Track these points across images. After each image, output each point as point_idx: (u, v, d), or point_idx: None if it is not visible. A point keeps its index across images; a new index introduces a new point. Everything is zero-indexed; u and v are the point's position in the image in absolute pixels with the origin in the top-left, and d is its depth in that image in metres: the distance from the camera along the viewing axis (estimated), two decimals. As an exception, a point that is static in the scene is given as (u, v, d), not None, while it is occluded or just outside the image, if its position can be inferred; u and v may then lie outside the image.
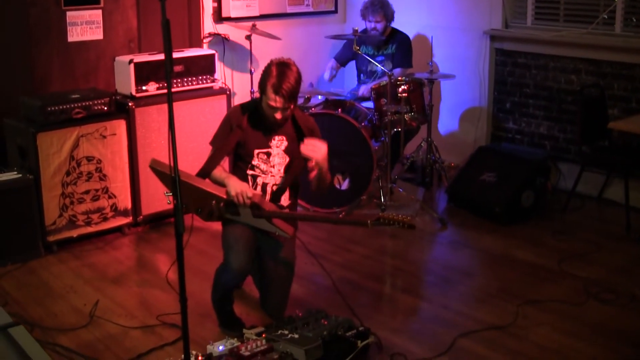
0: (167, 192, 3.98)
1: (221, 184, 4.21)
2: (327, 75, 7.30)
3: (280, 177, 4.36)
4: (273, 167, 4.34)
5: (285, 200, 4.40)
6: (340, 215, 6.12)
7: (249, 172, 4.34)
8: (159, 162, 4.26)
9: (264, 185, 4.33)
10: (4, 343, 1.98)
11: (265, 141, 4.33)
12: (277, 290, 4.39)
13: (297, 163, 4.36)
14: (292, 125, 4.38)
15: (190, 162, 5.84)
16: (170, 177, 3.01)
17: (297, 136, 4.38)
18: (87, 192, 5.58)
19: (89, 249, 5.58)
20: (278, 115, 4.20)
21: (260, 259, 4.38)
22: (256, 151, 4.31)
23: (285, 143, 4.36)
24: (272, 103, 4.14)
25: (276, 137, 4.34)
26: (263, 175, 4.33)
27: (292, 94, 4.15)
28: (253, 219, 4.16)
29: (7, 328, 2.08)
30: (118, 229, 5.83)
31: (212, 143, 4.40)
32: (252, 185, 4.33)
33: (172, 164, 2.99)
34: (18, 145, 5.48)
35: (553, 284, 4.97)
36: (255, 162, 4.32)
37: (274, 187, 4.35)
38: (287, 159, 4.37)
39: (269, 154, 4.33)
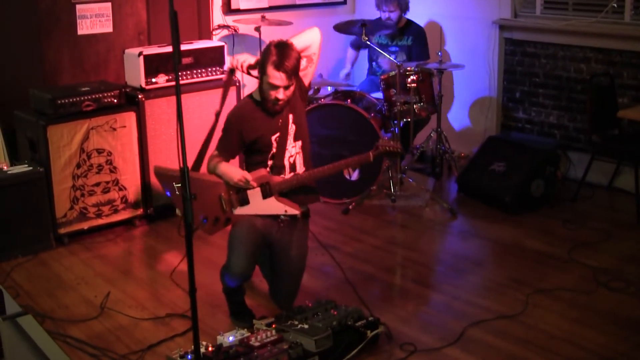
0: (176, 184, 3.99)
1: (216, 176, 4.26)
2: (342, 74, 7.29)
3: (293, 147, 4.36)
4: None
5: (300, 167, 4.39)
6: (350, 207, 6.12)
7: (269, 162, 4.30)
8: (162, 167, 4.31)
9: (284, 165, 4.34)
10: (12, 332, 1.99)
11: (276, 125, 4.29)
12: (289, 283, 4.39)
13: (304, 127, 4.40)
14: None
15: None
16: (175, 177, 3.02)
17: (294, 103, 4.34)
18: (97, 184, 5.60)
19: (99, 241, 5.60)
20: (280, 95, 4.14)
21: (272, 252, 4.38)
22: (273, 138, 4.28)
23: (291, 116, 4.32)
24: (274, 81, 4.09)
25: (282, 116, 4.30)
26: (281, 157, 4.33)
27: (294, 70, 4.11)
28: (262, 202, 4.18)
29: (15, 317, 2.09)
30: (128, 221, 5.85)
31: (217, 148, 4.37)
32: (281, 173, 4.33)
33: (180, 156, 3.01)
34: (28, 137, 5.50)
35: (563, 272, 4.97)
36: (274, 150, 4.29)
37: (291, 160, 4.36)
38: (295, 128, 4.34)
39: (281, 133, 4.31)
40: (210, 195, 4.20)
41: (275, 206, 4.23)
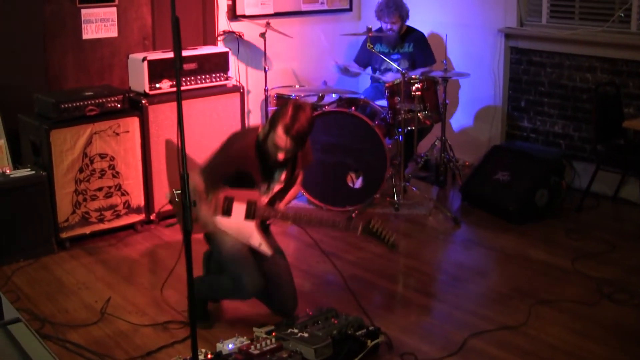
0: (176, 190, 3.95)
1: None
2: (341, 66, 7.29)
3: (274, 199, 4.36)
4: (272, 192, 4.32)
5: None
6: (354, 215, 6.10)
7: None
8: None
9: None
10: (3, 340, 1.97)
11: (270, 174, 4.27)
12: (287, 286, 4.36)
13: (291, 186, 4.41)
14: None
15: (202, 159, 5.84)
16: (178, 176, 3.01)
17: (293, 163, 4.34)
18: (100, 189, 5.59)
19: (101, 246, 5.59)
20: (281, 156, 4.10)
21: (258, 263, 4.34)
22: (261, 184, 4.24)
23: (286, 173, 4.32)
24: (279, 142, 4.03)
25: (279, 170, 4.29)
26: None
27: (302, 138, 4.05)
28: (242, 222, 4.16)
29: (7, 325, 2.07)
30: (131, 226, 5.84)
31: (204, 172, 4.16)
32: None
33: (180, 161, 2.99)
34: (32, 141, 5.50)
35: (566, 283, 4.94)
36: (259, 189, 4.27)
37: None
38: (283, 185, 4.34)
39: (270, 183, 4.30)
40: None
41: (253, 235, 4.19)
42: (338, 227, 4.35)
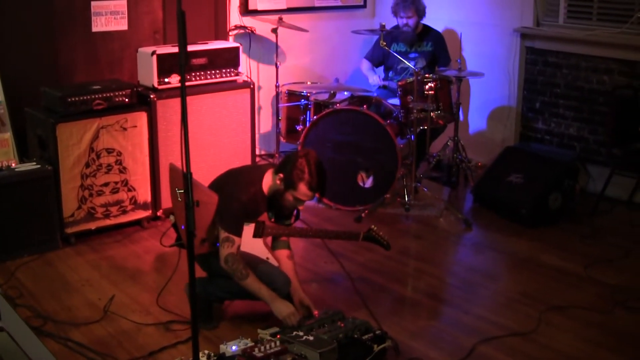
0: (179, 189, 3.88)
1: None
2: (374, 80, 7.16)
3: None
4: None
5: None
6: (363, 215, 6.02)
7: None
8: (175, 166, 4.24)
9: None
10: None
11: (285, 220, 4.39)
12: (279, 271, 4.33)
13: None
14: None
15: (211, 155, 5.81)
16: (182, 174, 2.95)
17: None
18: (106, 184, 5.51)
19: (107, 242, 5.52)
20: (302, 207, 4.26)
21: None
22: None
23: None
24: (304, 198, 4.13)
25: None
26: None
27: (325, 185, 4.19)
28: (250, 240, 4.16)
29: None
30: (137, 222, 5.77)
31: (228, 229, 4.14)
32: None
33: (183, 160, 2.92)
34: (38, 135, 5.43)
35: (579, 290, 4.84)
36: None
37: None
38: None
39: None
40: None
41: (260, 248, 4.21)
42: (341, 237, 4.61)
